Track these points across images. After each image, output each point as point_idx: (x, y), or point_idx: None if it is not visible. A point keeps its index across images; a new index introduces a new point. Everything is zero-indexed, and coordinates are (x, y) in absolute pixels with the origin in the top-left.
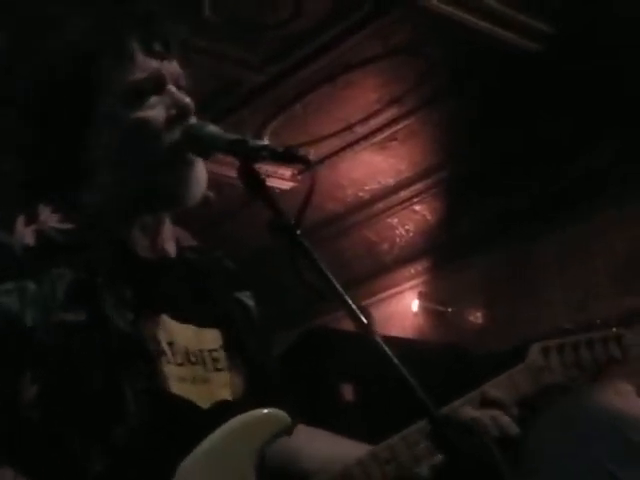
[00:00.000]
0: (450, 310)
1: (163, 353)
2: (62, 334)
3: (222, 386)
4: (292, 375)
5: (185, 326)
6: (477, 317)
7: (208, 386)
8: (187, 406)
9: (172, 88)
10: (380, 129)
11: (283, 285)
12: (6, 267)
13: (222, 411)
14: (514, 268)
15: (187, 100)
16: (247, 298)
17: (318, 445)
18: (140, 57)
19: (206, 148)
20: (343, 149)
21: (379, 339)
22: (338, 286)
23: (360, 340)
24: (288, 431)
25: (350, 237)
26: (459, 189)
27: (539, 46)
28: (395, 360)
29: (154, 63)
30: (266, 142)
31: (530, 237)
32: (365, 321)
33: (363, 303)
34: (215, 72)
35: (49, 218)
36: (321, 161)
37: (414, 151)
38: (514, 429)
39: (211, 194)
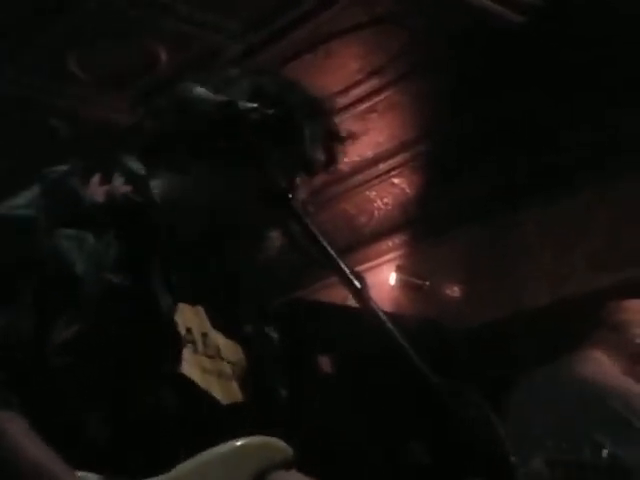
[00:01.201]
0: (428, 284)
1: (192, 341)
2: (105, 291)
3: (237, 393)
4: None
5: (215, 330)
6: (455, 291)
7: (231, 385)
8: (205, 398)
9: None
10: (360, 100)
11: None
12: (73, 214)
13: (239, 413)
14: (493, 243)
15: None
16: (272, 331)
17: None
18: None
19: (195, 111)
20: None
21: (373, 304)
22: (331, 251)
23: (338, 312)
24: (287, 465)
25: (328, 210)
26: (439, 163)
27: (524, 18)
28: (389, 326)
29: None
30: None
31: (510, 213)
32: (359, 286)
33: None
34: (195, 40)
35: (122, 187)
36: None
37: (394, 123)
38: None
39: None
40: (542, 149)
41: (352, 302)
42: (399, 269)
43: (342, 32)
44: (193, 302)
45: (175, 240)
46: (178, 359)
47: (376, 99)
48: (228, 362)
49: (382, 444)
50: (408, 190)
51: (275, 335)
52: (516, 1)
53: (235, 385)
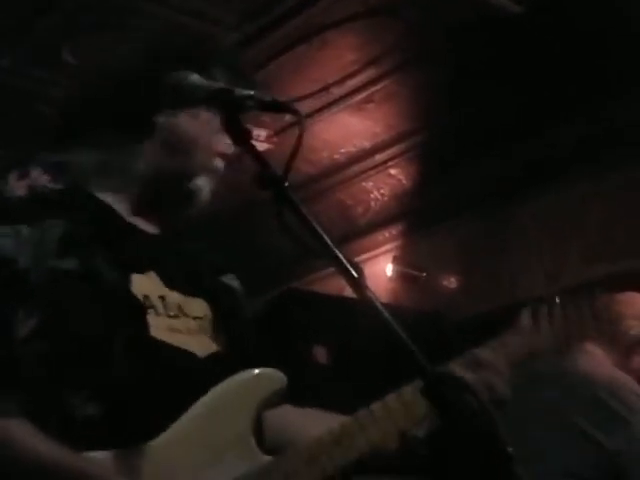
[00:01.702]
0: (424, 275)
1: (152, 306)
2: (54, 279)
3: (210, 342)
4: (265, 339)
5: (173, 292)
6: (451, 282)
7: (201, 338)
8: (182, 354)
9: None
10: (357, 90)
11: (256, 246)
12: (1, 212)
13: (217, 362)
14: (490, 234)
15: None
16: (231, 280)
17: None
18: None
19: (189, 98)
20: (318, 111)
21: (370, 294)
22: (328, 240)
23: (333, 302)
24: (283, 392)
25: (324, 200)
26: (435, 154)
27: (521, 8)
28: (386, 315)
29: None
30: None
31: (507, 204)
32: (356, 275)
33: None
34: (190, 30)
35: (40, 177)
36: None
37: (390, 114)
38: (506, 392)
39: None
40: (538, 141)
41: (348, 293)
42: (396, 260)
43: (338, 22)
44: (143, 270)
45: (113, 213)
46: (145, 324)
47: (372, 89)
48: (193, 318)
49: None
50: (405, 181)
51: (235, 283)
52: None
53: (206, 338)
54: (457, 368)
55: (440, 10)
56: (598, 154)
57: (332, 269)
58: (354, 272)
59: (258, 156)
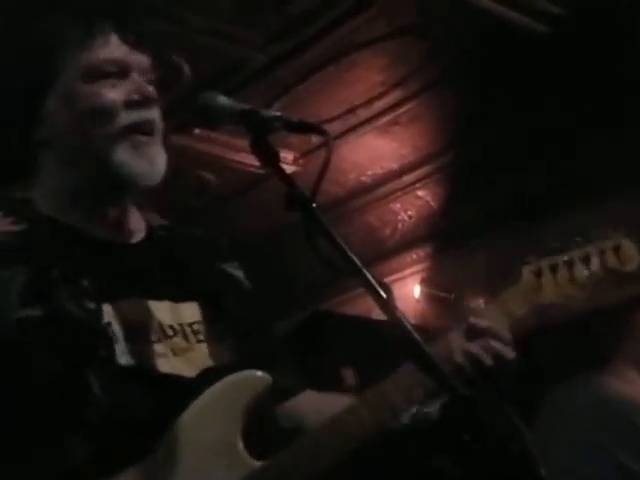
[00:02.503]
0: (452, 296)
1: (135, 333)
2: (17, 331)
3: (206, 356)
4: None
5: (159, 303)
6: (479, 304)
7: (192, 354)
8: (170, 379)
9: (136, 76)
10: (383, 112)
11: (284, 270)
12: None
13: (210, 378)
14: (517, 255)
15: (150, 89)
16: (233, 268)
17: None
18: (112, 41)
19: (216, 119)
20: (345, 132)
21: (399, 314)
22: (356, 260)
23: (362, 324)
24: (269, 392)
25: (352, 222)
26: (462, 174)
27: (547, 28)
28: (414, 334)
29: (122, 50)
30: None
31: (534, 223)
32: (385, 296)
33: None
34: (218, 52)
35: (1, 221)
36: (324, 144)
37: (417, 135)
38: (509, 353)
39: (212, 177)
40: (565, 159)
41: (376, 315)
42: (423, 282)
43: (365, 44)
44: (124, 294)
45: (82, 238)
46: (114, 354)
47: (399, 111)
48: (189, 324)
49: (407, 457)
50: (432, 202)
51: (239, 272)
52: (539, 12)
53: (197, 352)
54: (456, 339)
55: (466, 31)
56: (626, 172)
57: (359, 291)
58: (383, 293)
59: (286, 177)
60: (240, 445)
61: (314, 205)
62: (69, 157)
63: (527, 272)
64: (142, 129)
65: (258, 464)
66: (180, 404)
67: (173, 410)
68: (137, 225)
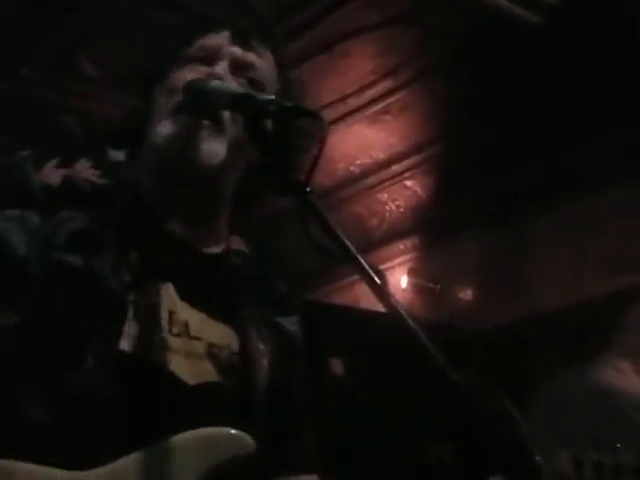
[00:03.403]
0: (439, 287)
1: (157, 320)
2: (54, 272)
3: (215, 374)
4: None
5: (194, 310)
6: (467, 295)
7: (202, 364)
8: (167, 378)
9: (223, 64)
10: (374, 101)
11: (271, 258)
12: (18, 196)
13: (209, 393)
14: (505, 246)
15: (222, 74)
16: (290, 324)
17: None
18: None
19: (211, 104)
20: (335, 121)
21: (394, 301)
22: (351, 246)
23: (349, 314)
24: (248, 459)
25: (340, 212)
26: (452, 165)
27: (540, 18)
28: (410, 322)
29: (220, 40)
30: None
31: (522, 216)
32: (379, 282)
33: (352, 279)
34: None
35: (85, 170)
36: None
37: (407, 125)
38: None
39: None
40: (556, 152)
41: (363, 304)
42: (411, 272)
43: (356, 32)
44: (160, 280)
45: (150, 218)
46: (119, 335)
47: (389, 100)
48: (208, 342)
49: (401, 445)
50: (420, 193)
51: (294, 328)
52: (533, 2)
53: (207, 365)
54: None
55: (458, 20)
56: (617, 165)
57: (346, 280)
58: (377, 279)
59: (280, 161)
60: None
61: (308, 190)
62: (147, 141)
63: (567, 460)
64: (188, 112)
65: None
66: (174, 408)
67: (168, 412)
68: (216, 241)
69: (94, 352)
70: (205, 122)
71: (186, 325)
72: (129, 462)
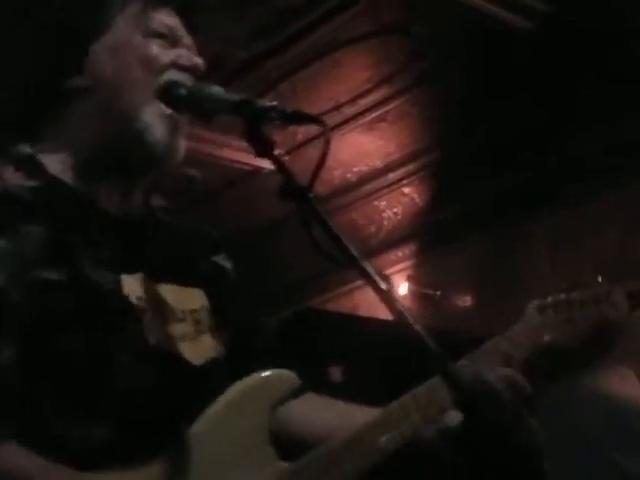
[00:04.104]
0: (439, 294)
1: (146, 311)
2: (38, 293)
3: (209, 346)
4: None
5: (166, 286)
6: (466, 301)
7: (197, 343)
8: (180, 362)
9: (185, 47)
10: (369, 109)
11: (263, 269)
12: None
13: (213, 369)
14: (504, 252)
15: (200, 60)
16: (223, 260)
17: (323, 413)
18: (169, 13)
19: (210, 110)
20: (331, 130)
21: (399, 306)
22: (354, 252)
23: (348, 322)
24: (295, 392)
25: (337, 220)
26: (448, 172)
27: (532, 24)
28: (419, 329)
29: (177, 22)
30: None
31: (520, 222)
32: (385, 287)
33: (350, 287)
34: (199, 47)
35: (12, 176)
36: (309, 141)
37: (403, 133)
38: (528, 388)
39: (196, 173)
40: (551, 157)
41: (361, 312)
42: (410, 279)
43: (350, 41)
44: (131, 269)
45: (92, 206)
46: (142, 331)
47: (385, 108)
48: (190, 311)
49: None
50: (418, 200)
51: (228, 264)
52: (524, 8)
53: (201, 342)
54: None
55: (451, 28)
56: (614, 170)
57: (344, 289)
58: (383, 284)
59: (282, 167)
60: (269, 445)
61: (311, 195)
62: (98, 110)
63: (532, 308)
64: (172, 103)
65: (286, 465)
66: (192, 390)
67: (188, 398)
68: (138, 200)
69: (125, 351)
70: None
71: (171, 310)
72: (200, 434)
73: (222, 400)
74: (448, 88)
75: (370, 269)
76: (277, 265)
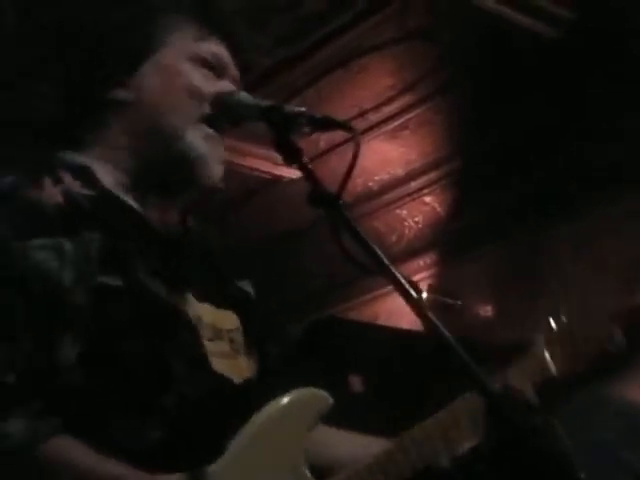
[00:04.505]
0: (460, 303)
1: (194, 327)
2: (100, 298)
3: (245, 366)
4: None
5: (203, 305)
6: (487, 310)
7: (235, 362)
8: (224, 380)
9: (230, 80)
10: (392, 117)
11: (284, 277)
12: (38, 223)
13: (251, 388)
14: (525, 261)
15: (243, 94)
16: (247, 286)
17: (334, 441)
18: (220, 44)
19: (238, 116)
20: (349, 139)
21: (430, 314)
22: (384, 259)
23: (369, 331)
24: (327, 412)
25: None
26: (470, 180)
27: (557, 32)
28: (448, 336)
29: (226, 54)
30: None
31: (541, 230)
32: (415, 295)
33: (371, 296)
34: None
35: (72, 183)
36: (331, 149)
37: (426, 141)
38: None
39: (220, 183)
40: (574, 165)
41: (381, 321)
42: (430, 289)
43: (375, 48)
44: (179, 286)
45: (142, 220)
46: (197, 344)
47: (408, 116)
48: (227, 330)
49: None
50: (439, 209)
51: (251, 289)
52: (548, 15)
53: (238, 361)
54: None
55: (476, 36)
56: (634, 176)
57: (365, 298)
58: (413, 291)
59: (311, 174)
60: (304, 465)
61: (340, 202)
62: (142, 126)
63: (539, 340)
64: (216, 126)
65: None
66: (233, 407)
67: (231, 413)
68: (175, 218)
69: (181, 358)
70: (221, 139)
71: (213, 328)
72: (238, 451)
73: (258, 419)
74: (471, 96)
75: (400, 276)
76: (296, 275)
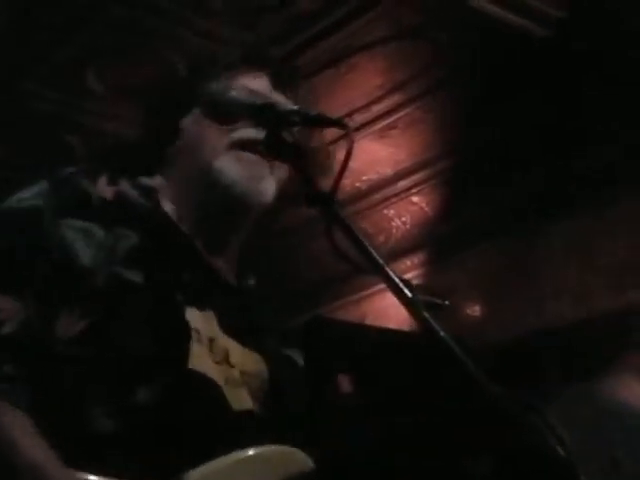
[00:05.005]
0: (447, 303)
1: (200, 342)
2: (116, 286)
3: (246, 398)
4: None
5: (229, 338)
6: (475, 310)
7: (240, 392)
8: (220, 402)
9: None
10: (381, 116)
11: (277, 274)
12: (79, 207)
13: (249, 420)
14: (513, 261)
15: None
16: (296, 356)
17: None
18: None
19: (231, 114)
20: (342, 137)
21: (426, 314)
22: (378, 258)
23: (357, 330)
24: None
25: None
26: (458, 181)
27: (548, 31)
28: (443, 335)
29: (264, 84)
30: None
31: (530, 230)
32: (409, 295)
33: (359, 295)
34: (213, 54)
35: (129, 190)
36: (320, 149)
37: (414, 141)
38: None
39: None
40: (565, 165)
41: (369, 321)
42: (418, 289)
43: (364, 47)
44: (203, 306)
45: (190, 249)
46: (186, 355)
47: (397, 115)
48: (240, 370)
49: (437, 466)
50: (427, 209)
51: (300, 360)
52: (540, 15)
53: (244, 392)
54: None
55: (466, 36)
56: (629, 175)
57: (352, 297)
58: (407, 291)
59: (305, 172)
60: None
61: (335, 201)
62: (186, 167)
63: None
64: (249, 148)
65: None
66: (223, 434)
67: (216, 437)
68: (232, 271)
69: (167, 369)
70: (258, 158)
71: (227, 353)
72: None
73: (233, 456)
74: (461, 96)
75: (394, 275)
76: (284, 274)
